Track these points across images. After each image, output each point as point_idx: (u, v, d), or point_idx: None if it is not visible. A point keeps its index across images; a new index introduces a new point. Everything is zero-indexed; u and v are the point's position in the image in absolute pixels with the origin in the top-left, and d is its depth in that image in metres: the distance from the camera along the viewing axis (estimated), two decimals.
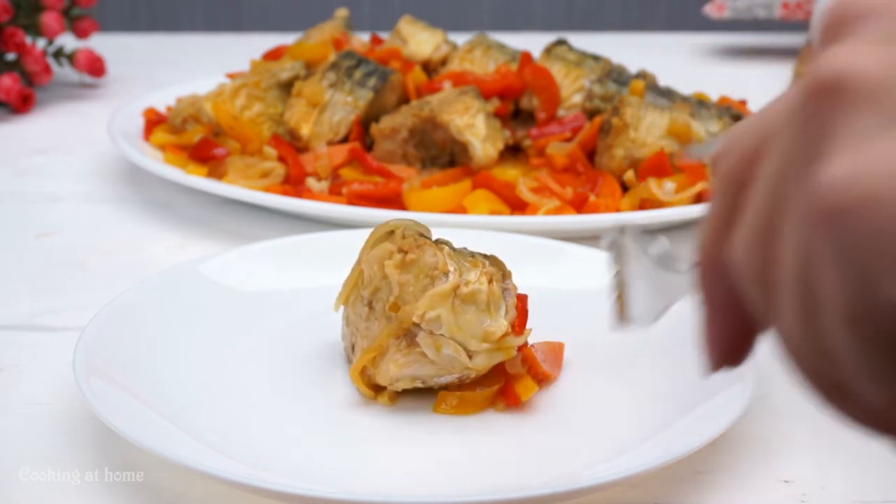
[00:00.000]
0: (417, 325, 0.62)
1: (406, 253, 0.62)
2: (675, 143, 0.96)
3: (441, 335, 0.61)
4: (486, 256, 0.65)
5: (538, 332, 0.71)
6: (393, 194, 0.93)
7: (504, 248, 0.75)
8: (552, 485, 0.55)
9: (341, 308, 0.67)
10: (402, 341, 0.62)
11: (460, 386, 0.64)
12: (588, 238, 0.91)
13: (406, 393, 0.64)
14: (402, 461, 0.59)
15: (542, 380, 0.65)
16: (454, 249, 0.64)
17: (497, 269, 0.65)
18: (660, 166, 0.95)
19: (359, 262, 0.66)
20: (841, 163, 0.28)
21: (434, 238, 0.65)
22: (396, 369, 0.62)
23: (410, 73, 1.08)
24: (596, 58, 1.11)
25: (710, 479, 0.59)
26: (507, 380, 0.64)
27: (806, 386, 0.32)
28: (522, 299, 0.65)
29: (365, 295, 0.65)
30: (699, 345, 0.38)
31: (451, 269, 0.62)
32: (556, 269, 0.78)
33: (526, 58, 1.10)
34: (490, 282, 0.63)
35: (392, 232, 0.64)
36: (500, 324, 0.62)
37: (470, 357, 0.62)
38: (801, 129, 0.30)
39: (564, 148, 0.99)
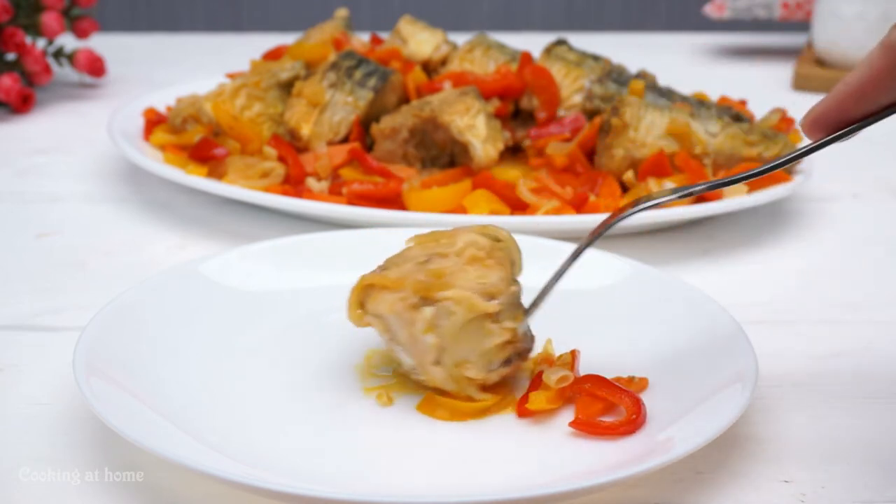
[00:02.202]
0: (435, 302, 0.62)
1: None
2: (675, 142, 0.96)
3: (440, 325, 0.62)
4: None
5: (538, 331, 0.71)
6: (393, 194, 0.93)
7: None
8: (552, 485, 0.55)
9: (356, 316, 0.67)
10: (412, 298, 0.62)
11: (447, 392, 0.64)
12: None
13: (405, 393, 0.65)
14: (401, 461, 0.59)
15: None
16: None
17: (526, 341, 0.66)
18: (660, 166, 0.95)
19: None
20: None
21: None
22: (386, 309, 0.62)
23: (410, 73, 1.08)
24: (596, 58, 1.11)
25: (710, 479, 0.59)
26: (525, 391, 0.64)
27: None
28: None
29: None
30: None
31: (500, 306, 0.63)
32: (557, 269, 0.78)
33: (526, 58, 1.10)
34: (512, 341, 0.64)
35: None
36: (476, 369, 0.63)
37: (432, 364, 0.62)
38: None
39: (564, 148, 0.99)
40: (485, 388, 0.64)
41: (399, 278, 0.63)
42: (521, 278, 0.67)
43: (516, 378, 0.66)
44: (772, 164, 0.61)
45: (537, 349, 0.68)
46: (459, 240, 0.66)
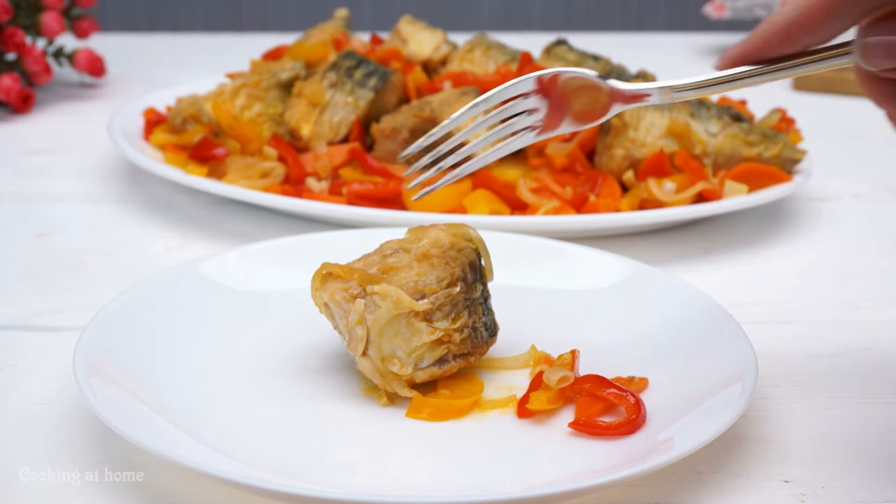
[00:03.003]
0: (369, 294, 0.63)
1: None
2: (675, 142, 0.96)
3: (367, 318, 0.62)
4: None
5: (538, 331, 0.71)
6: (393, 194, 0.93)
7: (504, 248, 0.75)
8: (553, 485, 0.55)
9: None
10: (355, 289, 0.63)
11: (436, 393, 0.64)
12: (588, 238, 0.91)
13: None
14: (401, 461, 0.59)
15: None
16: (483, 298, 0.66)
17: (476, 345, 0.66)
18: (660, 166, 0.95)
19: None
20: None
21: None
22: (329, 297, 0.64)
23: (411, 74, 1.08)
24: (596, 58, 1.11)
25: (710, 479, 0.59)
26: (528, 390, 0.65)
27: None
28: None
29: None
30: None
31: (434, 302, 0.63)
32: (556, 269, 0.78)
33: (526, 58, 1.10)
34: (445, 342, 0.64)
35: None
36: (402, 365, 0.63)
37: (361, 355, 0.63)
38: None
39: (564, 148, 0.99)
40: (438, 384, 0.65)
41: (350, 269, 0.64)
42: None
43: (468, 375, 0.67)
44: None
45: (518, 351, 0.69)
46: (426, 236, 0.67)
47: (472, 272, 0.66)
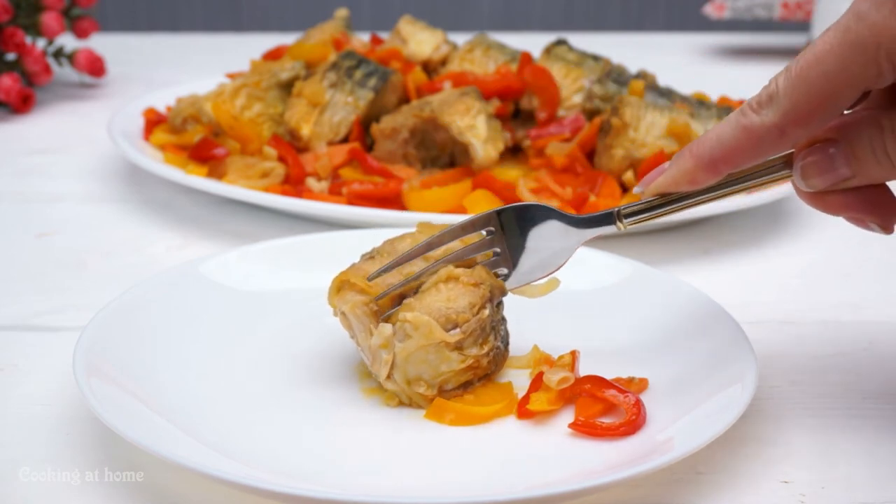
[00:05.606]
0: (401, 321, 0.62)
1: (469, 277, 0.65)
2: (675, 142, 0.96)
3: (395, 344, 0.62)
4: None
5: (538, 332, 0.71)
6: (393, 194, 0.93)
7: None
8: (553, 485, 0.55)
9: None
10: (376, 306, 0.63)
11: (463, 395, 0.64)
12: (587, 238, 0.91)
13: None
14: (401, 462, 0.59)
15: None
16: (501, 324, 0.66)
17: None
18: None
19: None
20: None
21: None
22: (349, 309, 0.63)
23: (411, 74, 1.08)
24: (596, 58, 1.11)
25: (710, 479, 0.59)
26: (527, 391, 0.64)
27: None
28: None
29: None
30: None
31: (466, 333, 0.63)
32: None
33: (526, 58, 1.10)
34: (474, 367, 0.63)
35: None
36: (428, 387, 0.63)
37: (385, 378, 0.63)
38: None
39: (564, 148, 0.99)
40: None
41: (371, 284, 0.63)
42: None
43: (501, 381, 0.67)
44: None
45: (523, 351, 0.69)
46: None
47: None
